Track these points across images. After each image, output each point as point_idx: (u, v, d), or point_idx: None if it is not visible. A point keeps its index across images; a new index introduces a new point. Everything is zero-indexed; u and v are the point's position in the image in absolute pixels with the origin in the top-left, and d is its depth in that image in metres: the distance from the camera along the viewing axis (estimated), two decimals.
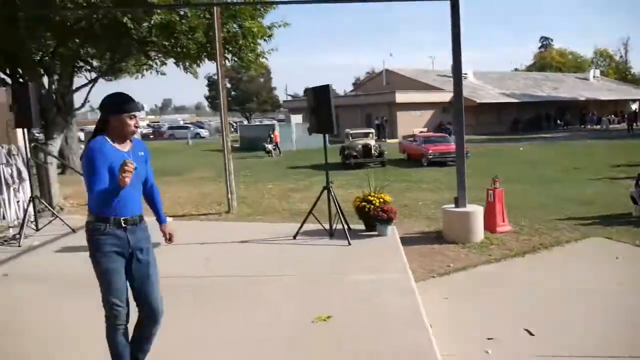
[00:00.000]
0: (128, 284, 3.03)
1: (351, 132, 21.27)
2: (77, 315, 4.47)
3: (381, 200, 6.88)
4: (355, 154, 19.43)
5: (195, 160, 25.60)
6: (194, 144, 40.35)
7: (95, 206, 2.90)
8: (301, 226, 7.03)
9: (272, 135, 28.29)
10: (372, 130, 22.76)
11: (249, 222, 9.32)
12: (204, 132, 52.51)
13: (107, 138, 2.90)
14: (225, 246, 6.78)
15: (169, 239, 3.41)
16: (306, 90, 7.06)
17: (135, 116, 2.95)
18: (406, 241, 6.80)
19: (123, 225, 2.93)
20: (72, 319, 4.41)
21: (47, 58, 13.61)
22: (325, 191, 6.92)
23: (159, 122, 71.45)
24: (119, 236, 2.94)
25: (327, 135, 7.11)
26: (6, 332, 4.16)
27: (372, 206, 6.81)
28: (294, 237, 6.89)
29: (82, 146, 22.93)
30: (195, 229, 8.28)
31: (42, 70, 13.82)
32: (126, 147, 2.97)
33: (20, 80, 13.12)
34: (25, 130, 7.62)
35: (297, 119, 36.16)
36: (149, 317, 3.10)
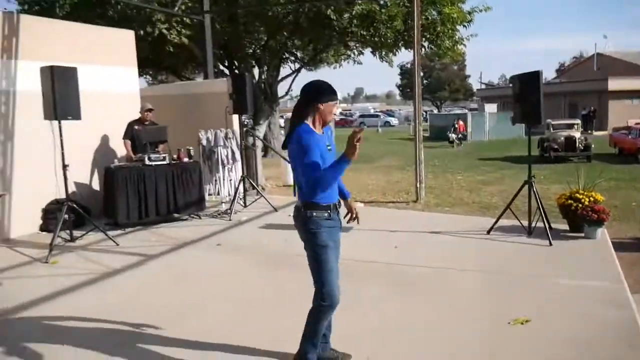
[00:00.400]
0: None
1: (553, 122, 19.51)
2: (272, 284, 4.94)
3: (591, 199, 6.18)
4: (556, 146, 17.82)
5: (384, 148, 25.99)
6: (383, 132, 41.00)
7: (314, 195, 2.91)
8: (497, 221, 6.66)
9: (456, 125, 27.27)
10: (578, 121, 20.60)
11: (437, 212, 9.16)
12: (393, 121, 53.05)
13: (310, 124, 2.97)
14: (413, 235, 6.74)
15: (355, 217, 3.33)
16: (512, 78, 6.63)
17: (336, 104, 3.03)
18: (615, 247, 6.00)
19: (337, 209, 3.05)
20: (268, 288, 4.86)
21: (258, 51, 15.02)
22: (526, 186, 6.45)
23: (350, 110, 74.12)
24: (337, 222, 3.04)
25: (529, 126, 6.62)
26: (216, 296, 4.69)
27: (580, 205, 6.15)
28: (488, 232, 6.56)
29: (283, 132, 24.84)
30: (383, 216, 8.39)
31: (253, 62, 15.31)
32: (321, 132, 3.04)
33: (236, 71, 14.71)
34: (240, 116, 8.46)
35: (491, 108, 34.59)
36: None
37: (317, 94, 2.97)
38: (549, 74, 62.92)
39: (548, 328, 3.81)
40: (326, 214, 2.97)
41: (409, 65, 52.48)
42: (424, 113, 47.39)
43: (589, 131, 30.29)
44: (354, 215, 3.33)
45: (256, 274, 5.29)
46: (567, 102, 37.66)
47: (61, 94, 6.09)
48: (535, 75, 6.18)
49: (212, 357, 3.47)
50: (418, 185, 10.35)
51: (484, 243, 6.23)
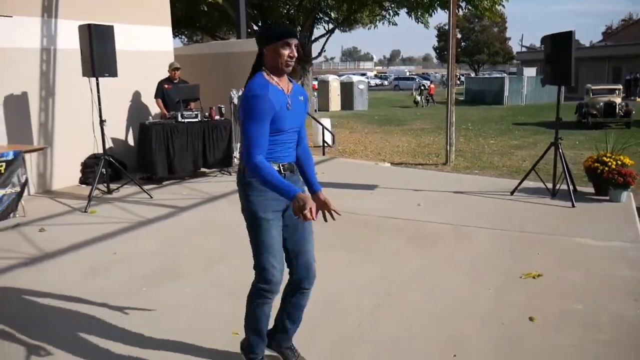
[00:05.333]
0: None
1: (593, 87, 18.87)
2: None
3: (619, 162, 6.13)
4: (594, 112, 17.32)
5: (418, 111, 25.74)
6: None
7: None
8: (521, 182, 6.70)
9: (423, 88, 31.11)
10: (620, 87, 19.86)
11: (465, 175, 9.18)
12: (428, 84, 52.09)
13: (265, 75, 2.44)
14: (438, 194, 6.84)
15: (324, 210, 2.51)
16: (543, 39, 6.54)
17: (289, 44, 2.40)
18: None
19: (282, 172, 2.48)
20: None
21: (292, 11, 14.97)
22: (553, 147, 6.43)
23: (386, 72, 73.02)
24: None
25: (562, 88, 6.54)
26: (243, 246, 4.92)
27: (606, 168, 6.11)
28: (511, 193, 6.61)
29: (316, 94, 24.83)
30: (410, 176, 8.48)
31: (287, 22, 15.29)
32: (286, 86, 2.49)
33: None
34: None
35: (530, 72, 33.62)
36: (304, 278, 2.65)
37: (260, 39, 2.47)
38: (595, 37, 60.36)
39: (558, 283, 3.91)
40: None
41: (446, 27, 51.14)
42: (461, 76, 46.27)
43: (632, 97, 29.20)
44: (325, 209, 2.51)
45: None
46: (611, 67, 36.24)
47: (99, 52, 6.31)
48: (567, 35, 6.09)
49: (240, 305, 3.71)
50: (448, 148, 10.36)
51: (506, 203, 6.30)
